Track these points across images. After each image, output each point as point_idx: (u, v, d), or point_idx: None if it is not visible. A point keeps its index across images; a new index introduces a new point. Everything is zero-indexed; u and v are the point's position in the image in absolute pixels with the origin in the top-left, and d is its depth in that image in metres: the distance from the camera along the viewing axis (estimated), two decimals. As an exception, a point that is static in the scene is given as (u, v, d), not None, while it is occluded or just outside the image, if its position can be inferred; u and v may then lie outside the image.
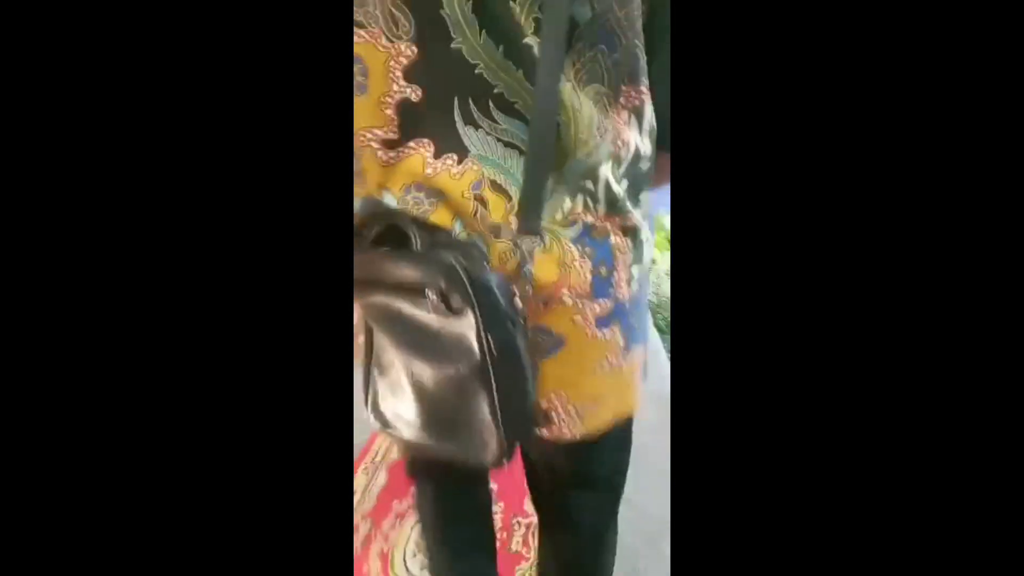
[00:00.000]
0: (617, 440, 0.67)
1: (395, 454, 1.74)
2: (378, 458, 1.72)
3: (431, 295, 0.44)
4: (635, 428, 0.78)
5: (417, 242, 0.46)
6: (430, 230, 0.47)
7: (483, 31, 0.43)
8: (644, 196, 0.54)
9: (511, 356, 0.45)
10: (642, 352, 0.59)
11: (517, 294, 0.46)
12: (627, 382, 0.57)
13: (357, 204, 0.50)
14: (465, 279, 0.43)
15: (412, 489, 1.49)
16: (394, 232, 0.48)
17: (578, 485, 0.70)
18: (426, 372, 0.49)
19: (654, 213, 0.66)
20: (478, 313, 0.44)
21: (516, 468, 1.19)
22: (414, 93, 0.45)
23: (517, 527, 1.40)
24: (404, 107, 0.46)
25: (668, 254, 3.84)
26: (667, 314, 3.02)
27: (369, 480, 1.65)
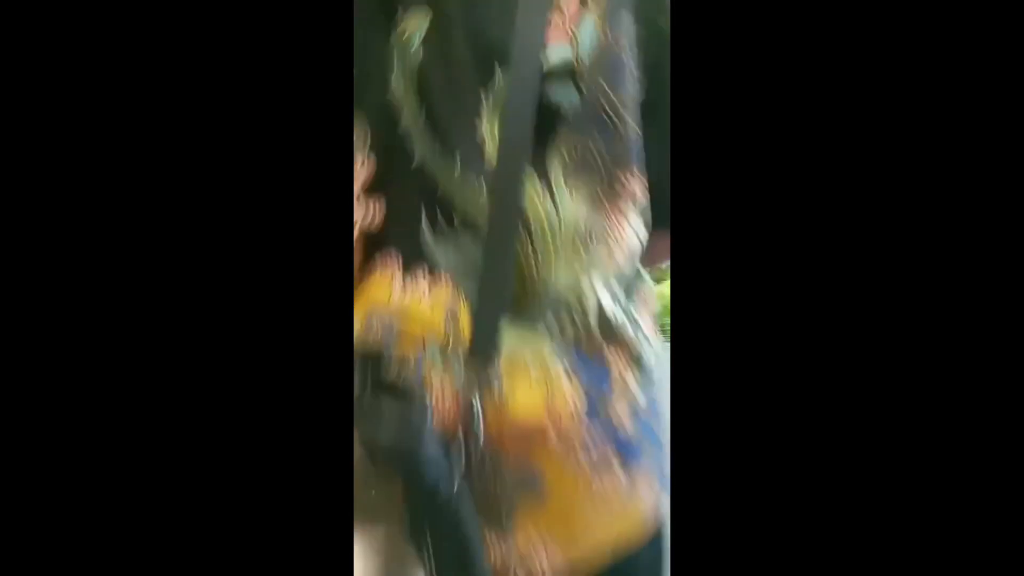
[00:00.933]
0: None
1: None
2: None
3: (362, 455, 0.40)
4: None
5: (364, 390, 0.41)
6: (377, 376, 0.42)
7: (438, 143, 0.41)
8: (645, 289, 0.48)
9: (448, 528, 0.40)
10: (650, 464, 0.49)
11: (463, 451, 0.40)
12: (622, 504, 0.48)
13: None
14: (392, 449, 0.39)
15: None
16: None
17: None
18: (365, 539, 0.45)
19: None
20: (407, 480, 0.40)
21: None
22: (378, 210, 0.42)
23: None
24: (366, 229, 0.43)
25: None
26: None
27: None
